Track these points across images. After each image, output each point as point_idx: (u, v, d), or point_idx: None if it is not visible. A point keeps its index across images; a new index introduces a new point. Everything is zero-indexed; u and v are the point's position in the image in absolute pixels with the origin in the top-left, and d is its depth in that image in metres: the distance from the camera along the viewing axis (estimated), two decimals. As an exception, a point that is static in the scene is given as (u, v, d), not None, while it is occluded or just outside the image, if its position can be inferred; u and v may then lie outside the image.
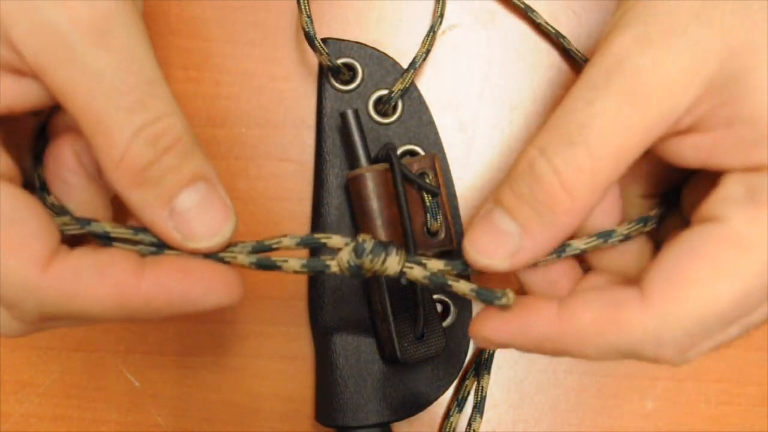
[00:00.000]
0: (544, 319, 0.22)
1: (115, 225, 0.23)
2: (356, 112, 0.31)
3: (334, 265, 0.23)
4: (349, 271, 0.23)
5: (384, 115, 0.33)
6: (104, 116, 0.21)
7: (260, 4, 0.34)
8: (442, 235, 0.31)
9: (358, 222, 0.31)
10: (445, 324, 0.32)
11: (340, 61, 0.32)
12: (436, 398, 0.32)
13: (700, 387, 0.34)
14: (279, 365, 0.33)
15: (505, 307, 0.23)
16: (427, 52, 0.33)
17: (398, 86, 0.32)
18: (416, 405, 0.32)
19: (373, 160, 0.31)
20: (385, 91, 0.33)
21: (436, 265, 0.24)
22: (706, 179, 0.23)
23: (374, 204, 0.30)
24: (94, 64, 0.20)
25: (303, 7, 0.31)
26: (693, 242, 0.21)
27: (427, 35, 0.33)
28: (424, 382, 0.32)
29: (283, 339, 0.33)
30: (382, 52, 0.33)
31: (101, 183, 0.25)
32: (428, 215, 0.31)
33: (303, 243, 0.24)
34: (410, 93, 0.33)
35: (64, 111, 0.22)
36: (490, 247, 0.23)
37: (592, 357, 0.22)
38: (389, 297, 0.30)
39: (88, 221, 0.23)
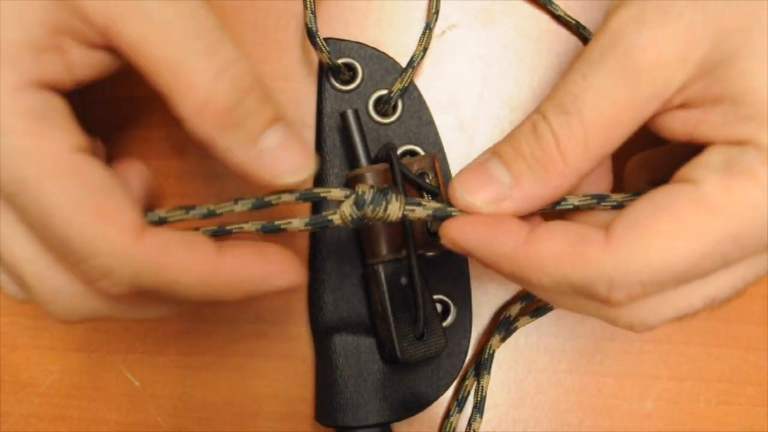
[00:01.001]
0: (511, 236, 0.23)
1: (168, 210, 0.24)
2: (356, 112, 0.31)
3: (336, 219, 0.24)
4: (353, 223, 0.24)
5: (384, 115, 0.33)
6: (182, 62, 0.21)
7: (260, 4, 0.34)
8: (442, 235, 0.31)
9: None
10: (445, 324, 0.32)
11: (340, 61, 0.32)
12: (436, 398, 0.32)
13: (700, 387, 0.34)
14: (279, 365, 0.33)
15: None
16: (425, 50, 0.33)
17: (397, 86, 0.32)
18: (416, 405, 0.32)
19: (373, 160, 0.31)
20: (385, 91, 0.33)
21: (435, 204, 0.24)
22: None
23: (374, 204, 0.30)
24: (164, 15, 0.21)
25: (309, 3, 0.31)
26: (663, 198, 0.22)
27: (424, 33, 0.33)
28: (424, 382, 0.32)
29: (283, 339, 0.33)
30: (382, 52, 0.33)
31: None
32: (428, 215, 0.31)
33: (303, 197, 0.24)
34: (410, 93, 0.33)
35: (140, 72, 0.22)
36: (478, 188, 0.23)
37: (545, 287, 0.22)
38: (389, 297, 0.30)
39: (191, 206, 0.24)
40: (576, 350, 0.34)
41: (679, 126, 0.23)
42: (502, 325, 0.33)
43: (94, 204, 0.21)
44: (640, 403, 0.33)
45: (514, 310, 0.33)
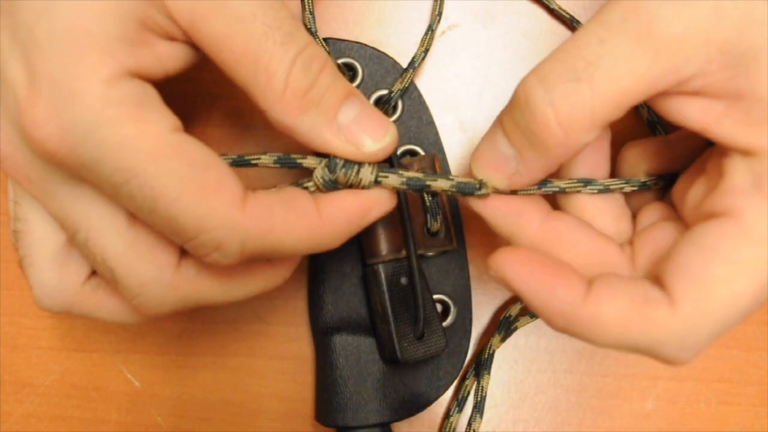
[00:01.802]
0: (571, 292, 0.22)
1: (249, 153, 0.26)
2: (356, 112, 0.31)
3: (311, 186, 0.25)
4: (325, 186, 0.24)
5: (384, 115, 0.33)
6: (262, 53, 0.22)
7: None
8: (442, 235, 0.31)
9: (358, 222, 0.31)
10: (445, 324, 0.32)
11: (340, 61, 0.32)
12: (436, 398, 0.32)
13: (700, 387, 0.34)
14: (279, 365, 0.33)
15: (484, 197, 0.24)
16: (426, 51, 0.33)
17: (398, 86, 0.32)
18: (416, 405, 0.32)
19: (373, 160, 0.31)
20: (385, 91, 0.33)
21: (411, 174, 0.25)
22: (702, 164, 0.24)
23: (374, 204, 0.30)
24: (244, 10, 0.22)
25: (307, 4, 0.31)
26: (709, 239, 0.21)
27: (426, 34, 0.33)
28: (424, 382, 0.32)
29: (283, 339, 0.33)
30: (382, 52, 0.33)
31: None
32: (428, 215, 0.31)
33: (280, 162, 0.25)
34: (410, 93, 0.33)
35: (218, 65, 0.23)
36: (493, 165, 0.24)
37: (603, 345, 0.22)
38: (389, 297, 0.30)
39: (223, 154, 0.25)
40: (576, 350, 0.34)
41: (695, 115, 0.22)
42: (502, 325, 0.33)
43: (198, 180, 0.21)
44: (640, 403, 0.33)
45: (514, 310, 0.33)
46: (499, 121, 0.24)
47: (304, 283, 0.33)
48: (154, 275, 0.24)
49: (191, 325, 0.33)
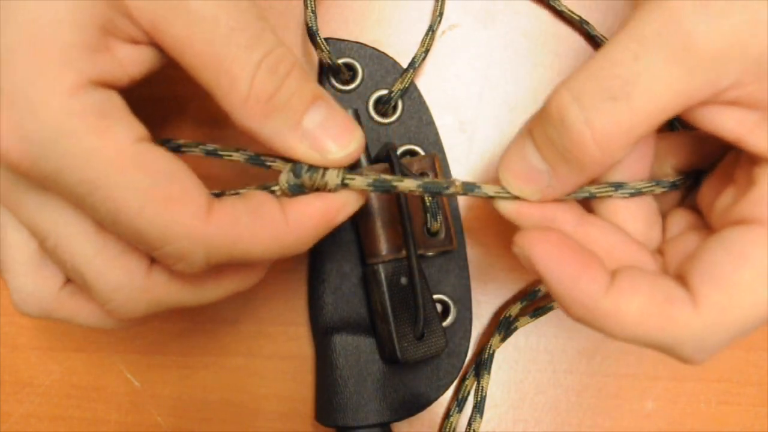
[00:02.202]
0: (594, 284, 0.22)
1: (185, 141, 0.25)
2: (356, 112, 0.31)
3: (278, 190, 0.24)
4: (291, 190, 0.24)
5: (384, 115, 0.33)
6: (225, 57, 0.22)
7: (260, 4, 0.33)
8: (442, 235, 0.31)
9: (357, 221, 0.31)
10: (445, 324, 0.32)
11: (340, 61, 0.32)
12: (436, 398, 0.32)
13: (700, 387, 0.34)
14: (279, 365, 0.33)
15: (453, 196, 0.24)
16: (427, 51, 0.33)
17: (398, 86, 0.32)
18: (416, 405, 0.32)
19: (373, 160, 0.31)
20: (385, 91, 0.33)
21: (376, 175, 0.24)
22: (728, 168, 0.24)
23: (374, 204, 0.30)
24: (208, 11, 0.21)
25: (309, 3, 0.31)
26: (737, 245, 0.21)
27: (426, 34, 0.33)
28: (424, 382, 0.32)
29: (283, 339, 0.33)
30: (382, 52, 0.33)
31: None
32: (428, 215, 0.31)
33: (251, 160, 0.25)
34: (410, 93, 0.33)
35: (183, 67, 0.22)
36: (525, 178, 0.23)
37: (622, 339, 0.22)
38: (389, 297, 0.30)
39: (201, 143, 0.26)
40: (576, 350, 0.34)
41: (730, 125, 0.22)
42: (502, 325, 0.33)
43: (161, 191, 0.21)
44: (640, 403, 0.33)
45: (514, 310, 0.33)
46: (529, 134, 0.23)
47: (304, 283, 0.33)
48: (124, 280, 0.23)
49: (191, 325, 0.33)
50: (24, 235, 0.25)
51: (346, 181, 0.24)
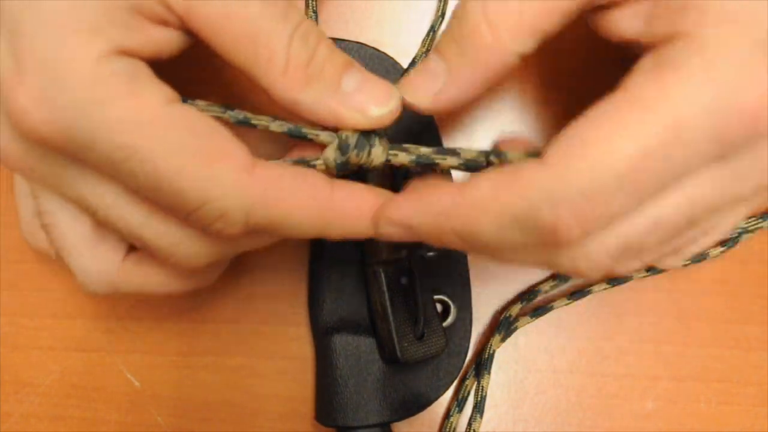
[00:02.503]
0: (445, 193, 0.22)
1: (208, 103, 0.24)
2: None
3: (320, 164, 0.24)
4: (337, 168, 0.24)
5: (384, 115, 0.33)
6: (261, 32, 0.22)
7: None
8: (442, 235, 0.31)
9: (358, 222, 0.31)
10: (445, 324, 0.32)
11: (340, 61, 0.32)
12: (436, 398, 0.32)
13: (700, 387, 0.34)
14: (279, 365, 0.33)
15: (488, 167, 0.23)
16: (427, 51, 0.33)
17: (398, 86, 0.32)
18: (416, 405, 0.32)
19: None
20: (385, 91, 0.33)
21: (420, 150, 0.24)
22: None
23: (374, 204, 0.30)
24: None
25: (310, 3, 0.31)
26: (597, 108, 0.20)
27: (428, 35, 0.33)
28: (424, 382, 0.32)
29: (283, 339, 0.33)
30: (382, 52, 0.33)
31: None
32: (428, 215, 0.31)
33: (290, 133, 0.25)
34: (410, 93, 0.33)
35: (215, 50, 0.23)
36: (418, 85, 0.23)
37: (491, 236, 0.21)
38: (389, 297, 0.30)
39: (228, 106, 0.25)
40: (576, 350, 0.34)
41: (626, 24, 0.22)
42: (502, 325, 0.33)
43: (201, 149, 0.21)
44: (640, 403, 0.33)
45: (514, 310, 0.33)
46: (435, 47, 0.24)
47: (304, 283, 0.33)
48: (181, 237, 0.24)
49: (191, 325, 0.33)
50: (74, 214, 0.25)
51: (390, 156, 0.24)
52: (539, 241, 0.21)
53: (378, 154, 0.24)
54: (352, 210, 0.23)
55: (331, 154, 0.24)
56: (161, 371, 0.33)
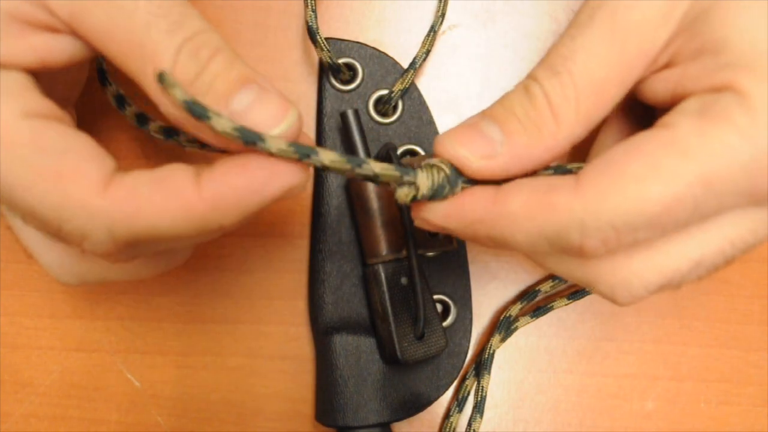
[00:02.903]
0: (479, 200, 0.22)
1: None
2: (356, 112, 0.31)
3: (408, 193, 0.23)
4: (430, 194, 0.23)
5: (384, 115, 0.33)
6: (147, 43, 0.21)
7: (260, 4, 0.34)
8: (442, 235, 0.31)
9: (358, 221, 0.31)
10: (445, 324, 0.32)
11: (340, 61, 0.32)
12: (436, 398, 0.32)
13: (700, 387, 0.34)
14: (279, 365, 0.33)
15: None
16: (428, 51, 0.33)
17: (398, 86, 0.32)
18: (416, 405, 0.32)
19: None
20: (385, 91, 0.33)
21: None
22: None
23: (374, 204, 0.30)
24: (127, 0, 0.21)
25: (309, 1, 0.31)
26: (636, 141, 0.21)
27: (428, 35, 0.33)
28: (424, 382, 0.32)
29: (283, 339, 0.33)
30: (383, 52, 0.33)
31: None
32: (428, 215, 0.31)
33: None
34: (410, 93, 0.33)
35: (105, 58, 0.22)
36: (468, 141, 0.23)
37: (521, 245, 0.22)
38: (389, 297, 0.30)
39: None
40: (576, 350, 0.34)
41: (662, 85, 0.23)
42: (502, 325, 0.33)
43: (51, 167, 0.21)
44: (640, 403, 0.33)
45: (514, 310, 0.33)
46: (485, 113, 0.23)
47: (304, 283, 0.33)
48: (58, 255, 0.24)
49: (191, 325, 0.33)
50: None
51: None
52: (566, 252, 0.22)
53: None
54: (227, 197, 0.21)
55: (426, 190, 0.23)
56: (161, 371, 0.33)
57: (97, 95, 0.30)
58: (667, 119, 0.22)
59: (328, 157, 0.22)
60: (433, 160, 0.23)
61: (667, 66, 0.23)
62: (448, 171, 0.23)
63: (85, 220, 0.21)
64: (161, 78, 0.20)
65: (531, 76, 0.23)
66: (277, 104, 0.22)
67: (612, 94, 0.22)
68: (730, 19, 0.21)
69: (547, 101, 0.22)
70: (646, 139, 0.21)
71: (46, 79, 0.23)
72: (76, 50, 0.23)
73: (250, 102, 0.22)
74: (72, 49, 0.23)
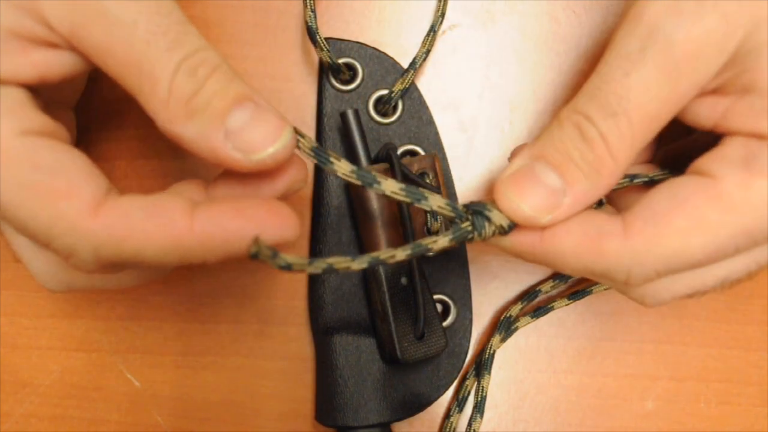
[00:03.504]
0: (526, 237, 0.23)
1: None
2: (356, 112, 0.31)
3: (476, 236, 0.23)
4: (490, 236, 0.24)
5: (384, 115, 0.33)
6: (145, 61, 0.21)
7: (260, 4, 0.34)
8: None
9: (358, 222, 0.31)
10: (445, 324, 0.32)
11: (340, 61, 0.32)
12: (436, 398, 0.32)
13: (700, 387, 0.34)
14: (279, 365, 0.33)
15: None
16: (428, 52, 0.33)
17: (398, 86, 0.32)
18: (416, 405, 0.32)
19: (373, 160, 0.31)
20: (385, 91, 0.33)
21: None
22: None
23: (374, 204, 0.30)
24: (127, 16, 0.21)
25: (308, 2, 0.31)
26: (682, 190, 0.22)
27: (428, 35, 0.33)
28: (424, 382, 0.32)
29: (283, 339, 0.33)
30: (383, 52, 0.33)
31: None
32: (428, 215, 0.31)
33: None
34: (410, 93, 0.33)
35: (105, 73, 0.22)
36: (529, 194, 0.23)
37: (569, 271, 0.24)
38: (389, 297, 0.30)
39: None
40: (576, 350, 0.34)
41: (704, 113, 0.23)
42: (502, 325, 0.33)
43: (44, 186, 0.21)
44: (640, 403, 0.33)
45: (514, 310, 0.33)
46: (538, 156, 0.23)
47: (304, 283, 0.33)
48: (45, 263, 0.25)
49: (191, 325, 0.33)
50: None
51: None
52: (608, 282, 0.24)
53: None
54: (216, 238, 0.22)
55: (497, 228, 0.23)
56: (161, 371, 0.33)
57: (97, 97, 0.30)
58: (710, 165, 0.22)
59: (389, 187, 0.23)
60: (490, 206, 0.23)
61: (714, 92, 0.23)
62: (506, 226, 0.23)
63: (73, 239, 0.21)
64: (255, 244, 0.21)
65: (582, 114, 0.23)
66: (273, 123, 0.22)
67: (663, 123, 0.23)
68: None
69: (605, 144, 0.22)
70: (690, 189, 0.22)
71: (46, 86, 0.23)
72: (75, 65, 0.23)
73: (246, 121, 0.22)
74: (71, 63, 0.23)
